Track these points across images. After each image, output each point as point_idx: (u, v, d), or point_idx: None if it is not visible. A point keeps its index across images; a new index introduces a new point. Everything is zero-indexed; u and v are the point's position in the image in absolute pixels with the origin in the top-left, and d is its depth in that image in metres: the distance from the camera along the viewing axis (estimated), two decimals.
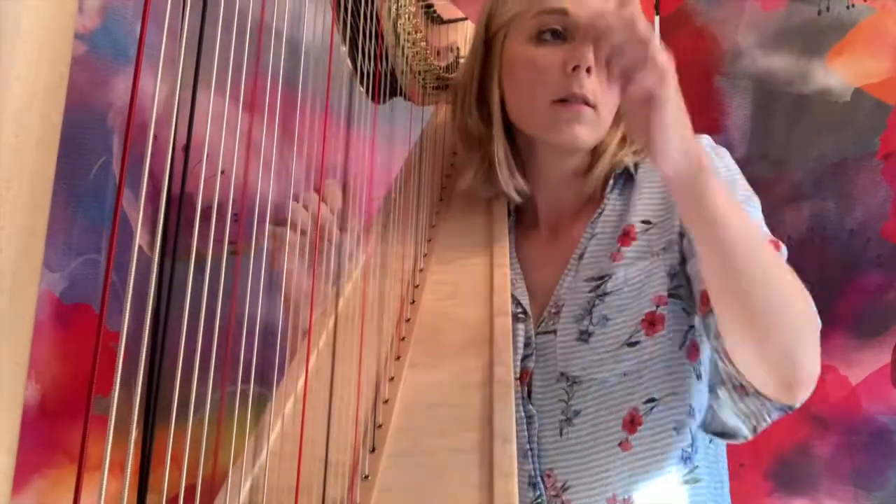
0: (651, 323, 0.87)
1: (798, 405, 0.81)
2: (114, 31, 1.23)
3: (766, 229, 0.88)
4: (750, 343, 0.77)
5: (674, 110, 0.67)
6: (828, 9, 1.60)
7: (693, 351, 0.88)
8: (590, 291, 0.90)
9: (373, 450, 0.75)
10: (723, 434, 0.87)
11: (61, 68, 0.34)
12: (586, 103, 0.88)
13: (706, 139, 0.93)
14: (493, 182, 0.98)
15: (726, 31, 1.65)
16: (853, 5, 1.59)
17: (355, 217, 0.97)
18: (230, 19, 0.50)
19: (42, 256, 0.34)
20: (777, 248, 0.85)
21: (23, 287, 0.33)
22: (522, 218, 1.03)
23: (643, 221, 0.92)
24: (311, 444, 0.71)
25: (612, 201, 0.95)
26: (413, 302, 0.94)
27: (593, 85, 0.87)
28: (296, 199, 0.91)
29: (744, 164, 0.96)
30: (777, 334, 0.76)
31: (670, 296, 0.87)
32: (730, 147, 0.97)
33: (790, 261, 0.81)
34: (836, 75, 1.59)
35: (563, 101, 0.89)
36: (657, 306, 0.87)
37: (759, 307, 0.74)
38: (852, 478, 1.53)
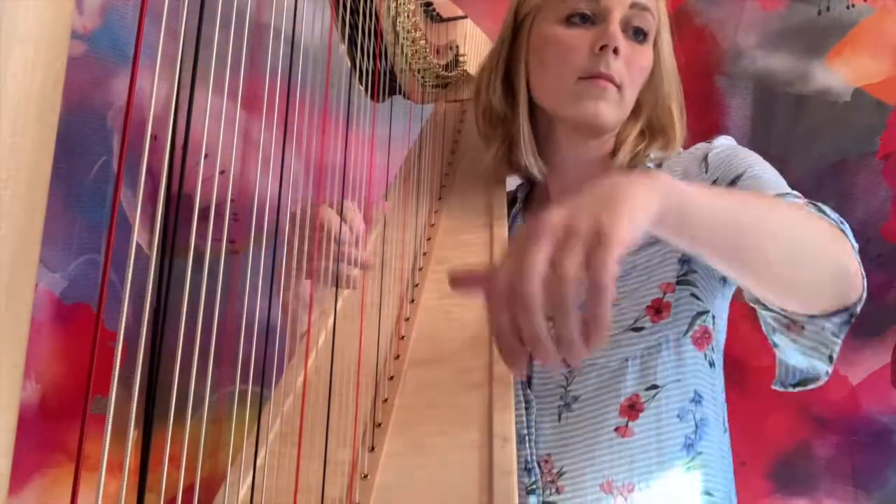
0: (657, 310, 0.87)
1: (859, 305, 0.77)
2: (114, 31, 1.23)
3: (782, 183, 0.85)
4: (791, 295, 0.75)
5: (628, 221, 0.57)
6: (828, 9, 1.60)
7: (703, 338, 0.87)
8: None
9: (372, 449, 0.75)
10: (805, 382, 0.84)
11: (58, 68, 0.34)
12: (611, 82, 0.91)
13: (726, 139, 0.94)
14: (511, 162, 1.01)
15: (726, 31, 1.65)
16: (853, 5, 1.59)
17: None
18: (228, 18, 0.50)
19: (38, 257, 0.34)
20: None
21: (19, 287, 0.33)
22: (531, 206, 1.04)
23: None
24: (311, 442, 0.71)
25: None
26: (413, 301, 0.93)
27: (619, 66, 0.90)
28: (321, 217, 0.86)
29: None
30: (812, 277, 0.72)
31: (679, 282, 0.87)
32: None
33: None
34: (836, 75, 1.59)
35: (589, 77, 0.91)
36: (664, 293, 0.87)
37: (786, 271, 0.70)
38: (852, 478, 1.53)
